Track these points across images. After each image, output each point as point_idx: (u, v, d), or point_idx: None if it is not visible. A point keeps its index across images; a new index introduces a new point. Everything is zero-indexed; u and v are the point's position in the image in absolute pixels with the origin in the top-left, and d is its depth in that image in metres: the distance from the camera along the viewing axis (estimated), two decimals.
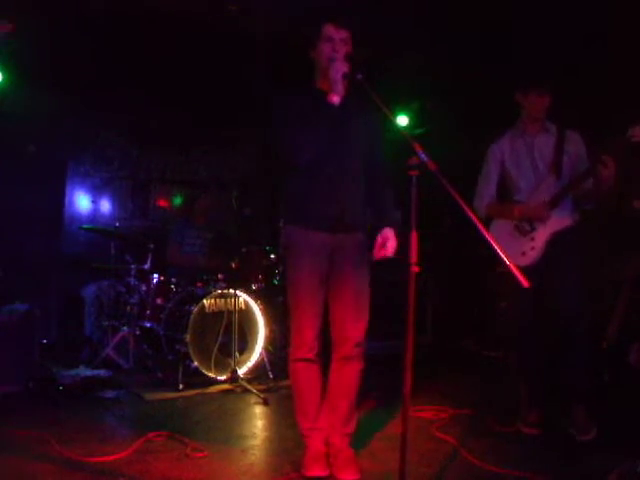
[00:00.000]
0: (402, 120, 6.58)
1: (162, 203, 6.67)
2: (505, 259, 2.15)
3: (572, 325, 3.44)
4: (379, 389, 4.44)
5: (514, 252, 3.49)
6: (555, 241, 3.49)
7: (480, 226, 2.18)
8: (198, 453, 3.16)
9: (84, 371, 4.59)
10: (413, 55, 5.60)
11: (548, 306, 3.52)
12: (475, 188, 3.76)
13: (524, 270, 3.16)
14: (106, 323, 5.17)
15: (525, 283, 2.14)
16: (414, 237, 2.27)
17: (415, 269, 2.26)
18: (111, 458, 3.04)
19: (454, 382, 4.83)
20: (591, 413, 3.44)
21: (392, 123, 2.67)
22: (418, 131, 6.43)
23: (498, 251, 2.15)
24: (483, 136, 3.89)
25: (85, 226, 5.66)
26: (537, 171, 3.60)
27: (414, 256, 2.26)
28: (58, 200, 6.17)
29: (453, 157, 4.63)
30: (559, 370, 3.53)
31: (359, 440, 3.40)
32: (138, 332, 4.93)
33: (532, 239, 3.52)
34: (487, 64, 5.30)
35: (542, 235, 3.50)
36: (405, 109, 6.60)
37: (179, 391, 4.34)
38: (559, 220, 3.49)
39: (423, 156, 2.26)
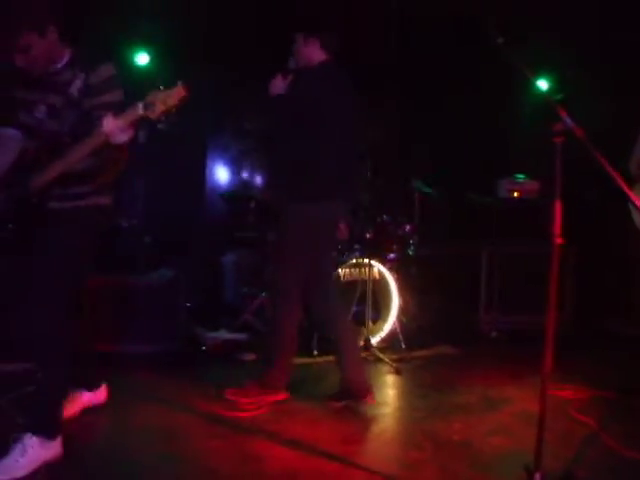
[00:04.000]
0: (542, 85, 6.23)
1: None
2: None
3: None
4: (516, 363, 4.34)
5: None
6: None
7: (630, 194, 2.03)
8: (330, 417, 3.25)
9: (224, 334, 4.82)
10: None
11: None
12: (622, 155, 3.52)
13: None
14: (245, 289, 5.38)
15: None
16: (558, 207, 2.16)
17: (559, 241, 2.16)
18: (248, 414, 3.21)
19: (595, 362, 4.55)
20: None
21: (535, 88, 2.55)
22: (558, 97, 6.07)
23: None
24: (629, 102, 3.63)
25: (226, 193, 5.91)
26: None
27: (557, 227, 2.15)
28: (200, 171, 6.46)
29: (596, 124, 4.35)
30: None
31: (493, 416, 3.36)
32: None
33: None
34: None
35: None
36: (545, 74, 6.25)
37: (313, 357, 4.45)
38: None
39: (568, 121, 2.14)
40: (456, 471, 2.67)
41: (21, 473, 2.42)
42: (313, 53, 3.46)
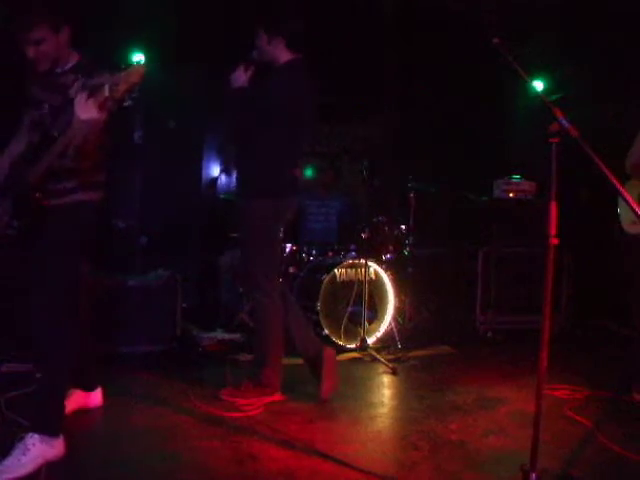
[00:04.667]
0: (538, 85, 6.25)
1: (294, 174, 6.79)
2: None
3: None
4: (512, 363, 4.37)
5: (628, 218, 3.49)
6: None
7: (627, 196, 2.03)
8: (326, 418, 3.25)
9: (221, 334, 4.83)
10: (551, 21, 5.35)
11: None
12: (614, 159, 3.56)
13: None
14: (241, 289, 5.38)
15: None
16: (553, 208, 2.17)
17: (554, 242, 2.16)
18: (245, 415, 3.21)
19: (591, 362, 4.58)
20: None
21: (530, 88, 2.55)
22: (554, 97, 6.09)
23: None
24: (627, 102, 3.64)
25: (224, 195, 5.92)
26: None
27: (553, 228, 2.16)
28: (196, 173, 6.46)
29: (593, 124, 4.38)
30: None
31: (490, 416, 3.36)
32: None
33: None
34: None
35: None
36: (540, 74, 6.27)
37: None
38: None
39: (565, 122, 2.14)
40: (452, 471, 2.67)
41: (23, 472, 2.44)
42: (279, 52, 3.47)
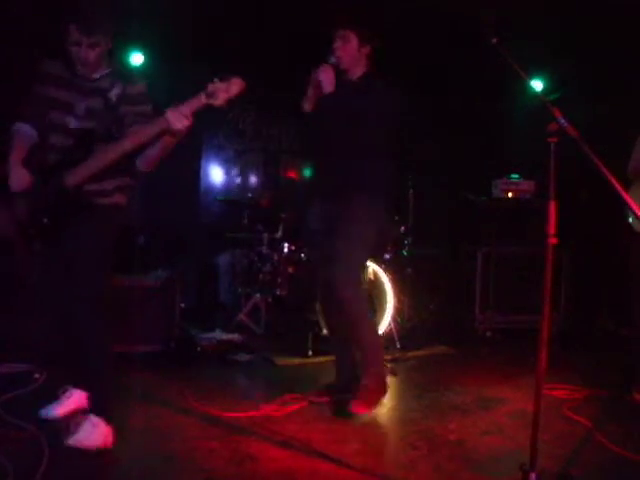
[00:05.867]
0: (536, 85, 6.26)
1: (291, 174, 6.80)
2: None
3: None
4: (510, 363, 4.37)
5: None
6: None
7: (626, 197, 2.03)
8: (325, 418, 3.25)
9: (219, 334, 4.82)
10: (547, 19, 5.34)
11: None
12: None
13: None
14: (239, 290, 5.38)
15: None
16: (552, 207, 2.16)
17: (553, 241, 2.16)
18: (244, 415, 3.20)
19: (590, 362, 4.57)
20: None
21: (529, 88, 2.55)
22: (552, 96, 6.09)
23: None
24: (626, 102, 3.64)
25: (221, 197, 5.91)
26: None
27: (552, 227, 2.16)
28: (194, 172, 6.46)
29: (592, 124, 4.39)
30: None
31: (488, 415, 3.36)
32: (270, 299, 5.10)
33: None
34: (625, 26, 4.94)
35: None
36: (540, 74, 6.27)
37: (308, 357, 4.45)
38: None
39: (563, 122, 2.14)
40: (451, 471, 2.67)
41: (96, 444, 2.70)
42: (361, 61, 3.40)
